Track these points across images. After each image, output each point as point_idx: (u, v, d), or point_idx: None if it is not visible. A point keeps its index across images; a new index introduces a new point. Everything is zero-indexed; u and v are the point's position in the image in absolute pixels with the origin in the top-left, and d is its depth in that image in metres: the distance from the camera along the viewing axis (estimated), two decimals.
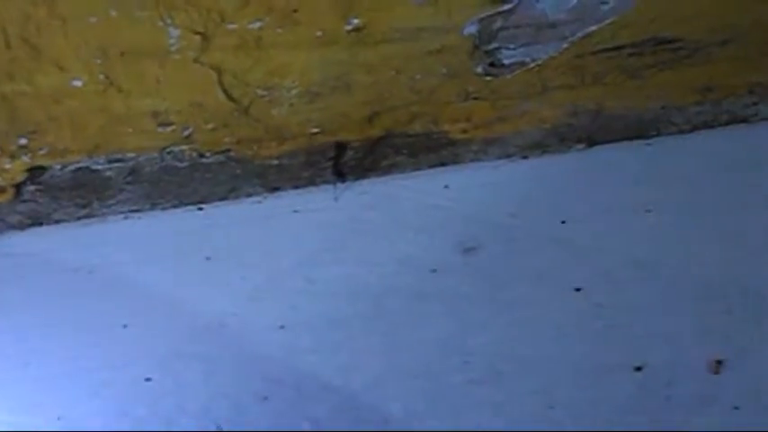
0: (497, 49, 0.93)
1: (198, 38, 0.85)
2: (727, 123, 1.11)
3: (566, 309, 0.95)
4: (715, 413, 0.86)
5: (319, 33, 0.87)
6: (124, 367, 0.93)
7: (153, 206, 1.07)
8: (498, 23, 0.90)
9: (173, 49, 0.86)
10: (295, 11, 0.84)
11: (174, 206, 1.07)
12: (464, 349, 0.92)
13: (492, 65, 0.95)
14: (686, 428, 0.85)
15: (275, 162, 1.04)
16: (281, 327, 0.95)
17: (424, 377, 0.90)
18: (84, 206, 1.05)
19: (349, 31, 0.87)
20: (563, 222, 1.03)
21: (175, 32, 0.84)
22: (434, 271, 0.99)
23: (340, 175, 1.06)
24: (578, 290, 0.96)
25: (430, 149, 1.06)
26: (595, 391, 0.88)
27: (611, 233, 1.01)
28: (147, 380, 0.91)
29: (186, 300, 0.98)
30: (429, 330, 0.94)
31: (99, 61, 0.86)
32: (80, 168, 1.00)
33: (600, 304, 0.94)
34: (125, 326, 0.96)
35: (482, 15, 0.88)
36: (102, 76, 0.88)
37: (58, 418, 0.89)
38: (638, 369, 0.89)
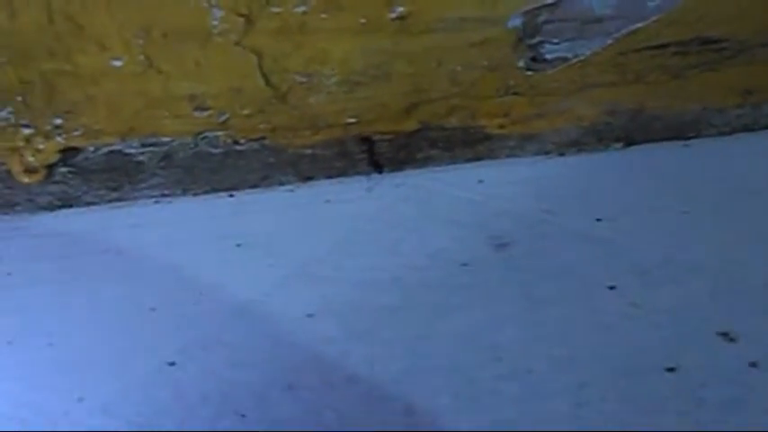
0: (540, 43, 0.93)
1: (241, 20, 0.85)
2: (767, 127, 1.10)
3: (598, 307, 0.93)
4: (748, 416, 0.85)
5: (363, 20, 0.87)
6: (149, 351, 0.91)
7: (184, 192, 1.06)
8: (543, 17, 0.89)
9: (215, 31, 0.85)
10: None
11: (206, 192, 1.07)
12: (494, 345, 0.90)
13: (534, 59, 0.95)
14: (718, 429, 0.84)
15: (309, 151, 1.03)
16: (309, 315, 0.94)
17: (451, 371, 0.89)
18: (115, 189, 1.05)
19: (393, 19, 0.87)
20: (598, 220, 1.01)
21: (219, 14, 0.84)
22: (466, 265, 0.98)
23: (376, 166, 1.05)
24: (612, 288, 0.94)
25: (466, 144, 1.06)
26: (626, 391, 0.86)
27: (647, 233, 0.99)
28: (171, 364, 0.91)
29: (214, 285, 0.97)
30: (458, 324, 0.92)
31: (141, 41, 0.86)
32: (113, 151, 1.00)
33: (634, 303, 0.93)
34: (152, 309, 0.95)
35: (527, 8, 0.88)
36: (142, 57, 0.88)
37: (79, 400, 0.88)
38: (671, 370, 0.87)
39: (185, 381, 0.89)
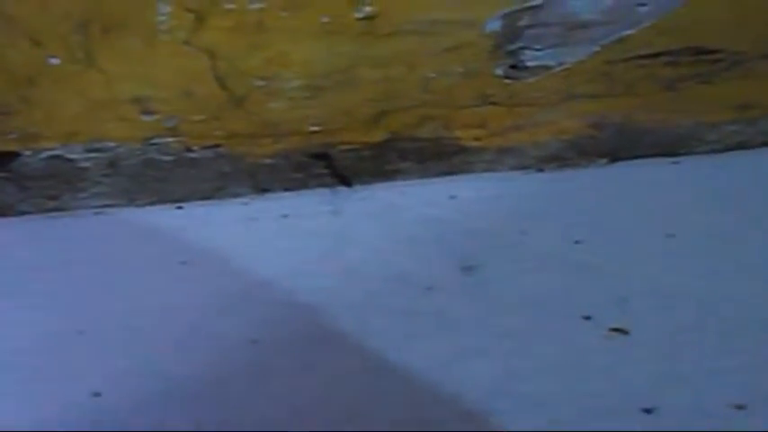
0: (521, 49, 0.88)
1: (191, 16, 0.79)
2: (763, 144, 1.06)
3: (572, 339, 0.89)
4: None
5: (326, 20, 0.81)
6: (72, 379, 0.86)
7: (129, 202, 1.00)
8: (525, 21, 0.84)
9: (162, 27, 0.80)
10: None
11: (153, 203, 1.01)
12: (455, 379, 0.86)
13: (513, 67, 0.90)
14: None
15: (267, 161, 0.98)
16: (253, 342, 0.89)
17: (407, 408, 0.84)
18: (53, 198, 0.99)
19: (359, 20, 0.82)
20: (577, 243, 0.97)
21: (165, 8, 0.78)
22: (430, 289, 0.93)
23: (340, 178, 1.00)
24: (588, 318, 0.90)
25: (439, 156, 1.01)
26: None
27: (629, 258, 0.95)
28: (97, 395, 0.85)
29: (152, 308, 0.92)
30: (418, 355, 0.88)
31: (79, 37, 0.80)
32: (54, 156, 0.94)
33: (611, 336, 0.89)
34: (80, 332, 0.89)
35: (508, 10, 0.82)
36: (81, 55, 0.82)
37: None
38: (648, 411, 0.83)
39: (111, 413, 0.83)
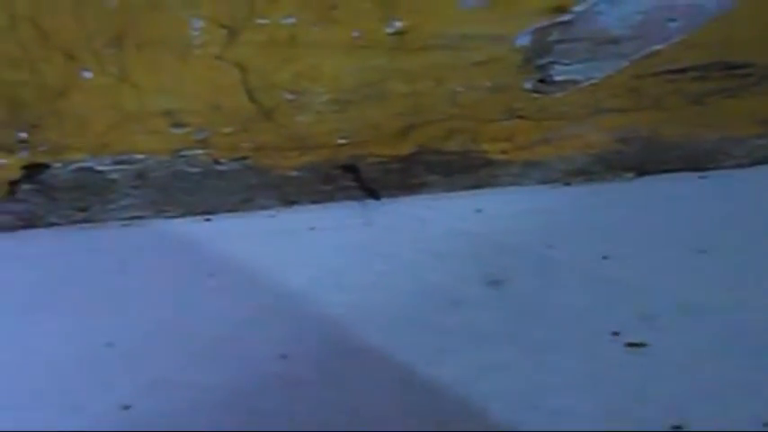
0: (550, 63, 0.88)
1: (224, 32, 0.80)
2: None
3: (600, 355, 0.88)
4: None
5: (357, 34, 0.82)
6: (101, 391, 0.85)
7: (158, 214, 1.01)
8: (554, 36, 0.84)
9: (195, 42, 0.80)
10: (333, 8, 0.79)
11: (181, 215, 1.01)
12: (483, 393, 0.86)
13: (542, 81, 0.90)
14: None
15: (294, 174, 0.98)
16: (283, 356, 0.89)
17: (435, 422, 0.84)
18: (82, 209, 0.99)
19: (390, 34, 0.82)
20: (604, 258, 0.96)
21: (199, 24, 0.79)
22: (457, 303, 0.93)
23: (366, 191, 1.00)
24: (616, 334, 0.90)
25: (465, 170, 1.01)
26: None
27: (658, 273, 0.95)
28: (126, 408, 0.85)
29: (179, 320, 0.92)
30: (446, 369, 0.87)
31: (113, 51, 0.80)
32: (83, 168, 0.94)
33: (639, 352, 0.88)
34: (109, 344, 0.89)
35: (538, 25, 0.82)
36: (114, 69, 0.82)
37: None
38: (677, 428, 0.83)
39: (140, 426, 0.83)
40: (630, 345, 0.88)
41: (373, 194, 1.01)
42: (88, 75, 0.82)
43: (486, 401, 0.84)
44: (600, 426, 0.83)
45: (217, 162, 0.95)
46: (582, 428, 0.82)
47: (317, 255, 0.98)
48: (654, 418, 0.83)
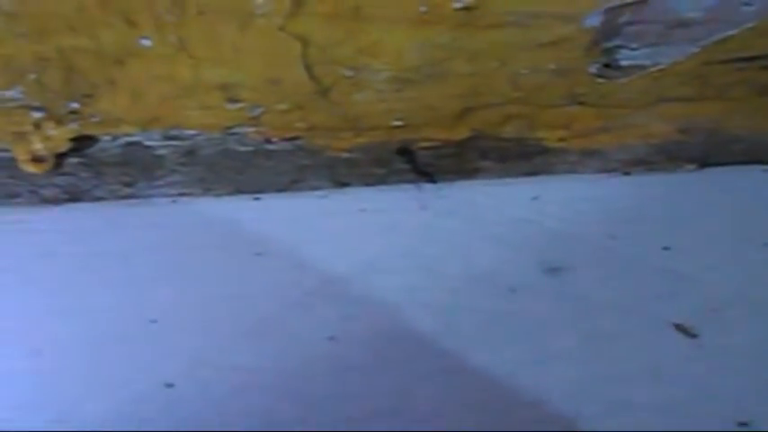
0: (618, 47, 0.86)
1: (288, 0, 0.77)
2: None
3: (661, 347, 0.87)
4: None
5: (424, 9, 0.79)
6: (144, 369, 0.85)
7: (206, 191, 1.00)
8: (625, 17, 0.82)
9: (258, 12, 0.78)
10: None
11: (229, 193, 1.00)
12: (538, 382, 0.84)
13: (607, 66, 0.88)
14: None
15: (347, 155, 0.97)
16: (331, 338, 0.88)
17: (485, 413, 0.83)
18: (129, 185, 0.98)
19: (458, 10, 0.80)
20: (666, 249, 0.95)
21: None
22: (513, 290, 0.92)
23: (420, 175, 0.98)
24: (678, 326, 0.88)
25: (521, 156, 0.99)
26: None
27: (721, 266, 0.93)
28: (169, 386, 0.84)
29: (226, 298, 0.91)
30: (499, 358, 0.86)
31: (174, 19, 0.79)
32: (131, 143, 0.93)
33: (702, 345, 0.87)
34: (153, 321, 0.89)
35: (610, 5, 0.80)
36: (173, 38, 0.80)
37: (58, 421, 0.82)
38: (743, 424, 0.81)
39: (182, 406, 0.83)
40: (693, 337, 0.86)
41: (428, 178, 0.99)
42: (147, 43, 0.80)
43: (541, 392, 0.83)
44: (659, 419, 0.81)
45: (268, 141, 0.94)
46: (641, 420, 0.81)
47: (367, 237, 0.97)
48: (718, 414, 0.82)
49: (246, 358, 0.86)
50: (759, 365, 0.85)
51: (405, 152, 0.96)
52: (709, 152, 1.01)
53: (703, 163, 1.02)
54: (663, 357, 0.86)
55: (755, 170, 1.03)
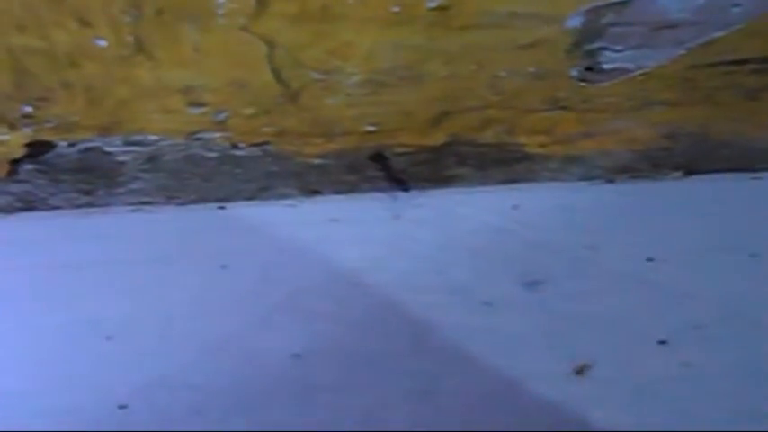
0: (600, 49, 0.83)
1: (252, 0, 0.74)
2: None
3: (646, 365, 0.85)
4: None
5: (396, 9, 0.76)
6: (97, 389, 0.83)
7: (168, 200, 0.97)
8: (608, 18, 0.79)
9: (220, 11, 0.75)
10: None
11: (194, 202, 0.97)
12: (515, 406, 0.82)
13: (589, 69, 0.85)
14: None
15: (318, 161, 0.94)
16: (296, 355, 0.85)
17: None
18: (87, 193, 0.95)
19: (431, 9, 0.77)
20: (649, 260, 0.93)
21: None
22: (490, 305, 0.90)
23: (395, 182, 0.96)
24: (662, 343, 0.86)
25: (501, 163, 0.97)
26: None
27: (707, 279, 0.91)
28: (123, 407, 0.82)
29: (186, 314, 0.89)
30: (474, 377, 0.84)
31: (129, 19, 0.75)
32: (90, 149, 0.90)
33: (688, 363, 0.85)
34: (108, 338, 0.87)
35: (593, 5, 0.78)
36: (130, 38, 0.77)
37: None
38: None
39: (136, 429, 0.81)
40: (679, 355, 0.84)
41: (402, 186, 0.96)
42: (102, 43, 0.77)
43: (519, 415, 0.81)
44: None
45: (235, 146, 0.91)
46: None
47: (338, 249, 0.94)
48: None
49: (205, 378, 0.84)
50: (747, 384, 0.83)
51: (378, 158, 0.94)
52: (695, 159, 0.99)
53: (689, 170, 1.01)
54: (647, 377, 0.84)
55: (743, 178, 1.01)
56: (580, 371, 0.84)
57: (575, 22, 0.79)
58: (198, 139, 0.89)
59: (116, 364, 0.85)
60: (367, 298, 0.90)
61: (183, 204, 0.97)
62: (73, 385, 0.82)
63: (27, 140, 0.87)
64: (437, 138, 0.93)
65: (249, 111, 0.86)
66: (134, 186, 0.94)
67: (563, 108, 0.90)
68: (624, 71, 0.86)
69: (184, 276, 0.92)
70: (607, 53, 0.84)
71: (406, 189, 0.97)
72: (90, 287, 0.90)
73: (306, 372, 0.84)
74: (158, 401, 0.82)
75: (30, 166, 0.91)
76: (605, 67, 0.85)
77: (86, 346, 0.85)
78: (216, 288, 0.91)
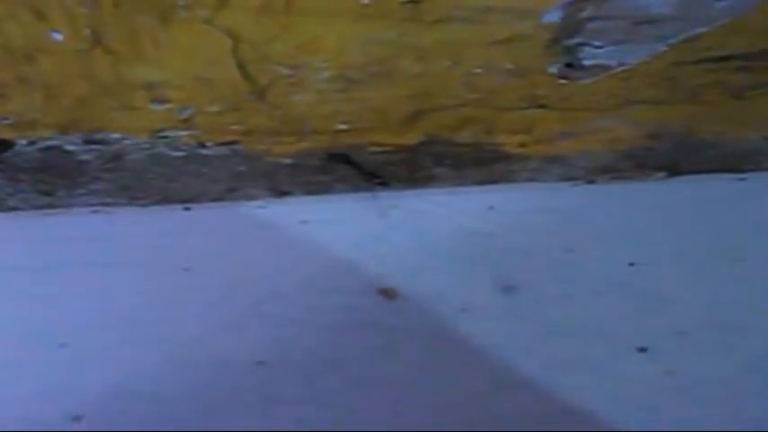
0: (580, 45, 0.82)
1: None
2: None
3: (626, 374, 0.84)
4: None
5: (366, 1, 0.75)
6: (49, 398, 0.81)
7: (131, 201, 0.95)
8: (588, 12, 0.78)
9: (180, 3, 0.73)
10: None
11: (158, 203, 0.96)
12: (493, 414, 0.81)
13: (569, 66, 0.84)
14: None
15: (288, 161, 0.92)
16: (260, 363, 0.84)
17: None
18: (47, 193, 0.93)
19: (403, 3, 0.75)
20: (631, 265, 0.92)
21: None
22: (464, 311, 0.89)
23: (368, 183, 0.94)
24: (643, 350, 0.85)
25: (478, 163, 0.95)
26: None
27: (690, 283, 0.91)
28: (77, 419, 0.80)
29: (148, 320, 0.87)
30: (452, 386, 0.83)
31: (86, 11, 0.73)
32: (50, 147, 0.88)
33: (670, 371, 0.84)
34: (62, 345, 0.85)
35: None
36: (87, 32, 0.75)
37: None
38: None
39: None
40: (660, 363, 0.83)
41: (375, 187, 0.95)
42: (58, 37, 0.75)
43: (497, 425, 0.80)
44: None
45: (201, 145, 0.89)
46: None
47: (308, 252, 0.93)
48: None
49: (165, 387, 0.82)
50: (730, 394, 0.82)
51: (350, 159, 0.92)
52: (679, 159, 0.98)
53: (673, 171, 1.00)
54: (627, 385, 0.83)
55: (729, 179, 1.00)
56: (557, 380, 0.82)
57: (552, 16, 0.78)
58: (163, 137, 0.88)
59: (70, 373, 0.83)
60: (337, 303, 0.88)
61: (146, 205, 0.96)
62: (23, 395, 0.81)
63: None
64: (412, 137, 0.91)
65: (215, 108, 0.85)
66: (96, 187, 0.93)
67: (542, 106, 0.89)
68: (605, 68, 0.85)
69: (146, 280, 0.90)
70: (587, 49, 0.82)
71: (381, 190, 0.95)
72: (44, 291, 0.89)
73: (271, 380, 0.83)
74: (115, 412, 0.80)
75: None
76: (585, 63, 0.84)
77: (39, 353, 0.84)
78: (179, 292, 0.89)
